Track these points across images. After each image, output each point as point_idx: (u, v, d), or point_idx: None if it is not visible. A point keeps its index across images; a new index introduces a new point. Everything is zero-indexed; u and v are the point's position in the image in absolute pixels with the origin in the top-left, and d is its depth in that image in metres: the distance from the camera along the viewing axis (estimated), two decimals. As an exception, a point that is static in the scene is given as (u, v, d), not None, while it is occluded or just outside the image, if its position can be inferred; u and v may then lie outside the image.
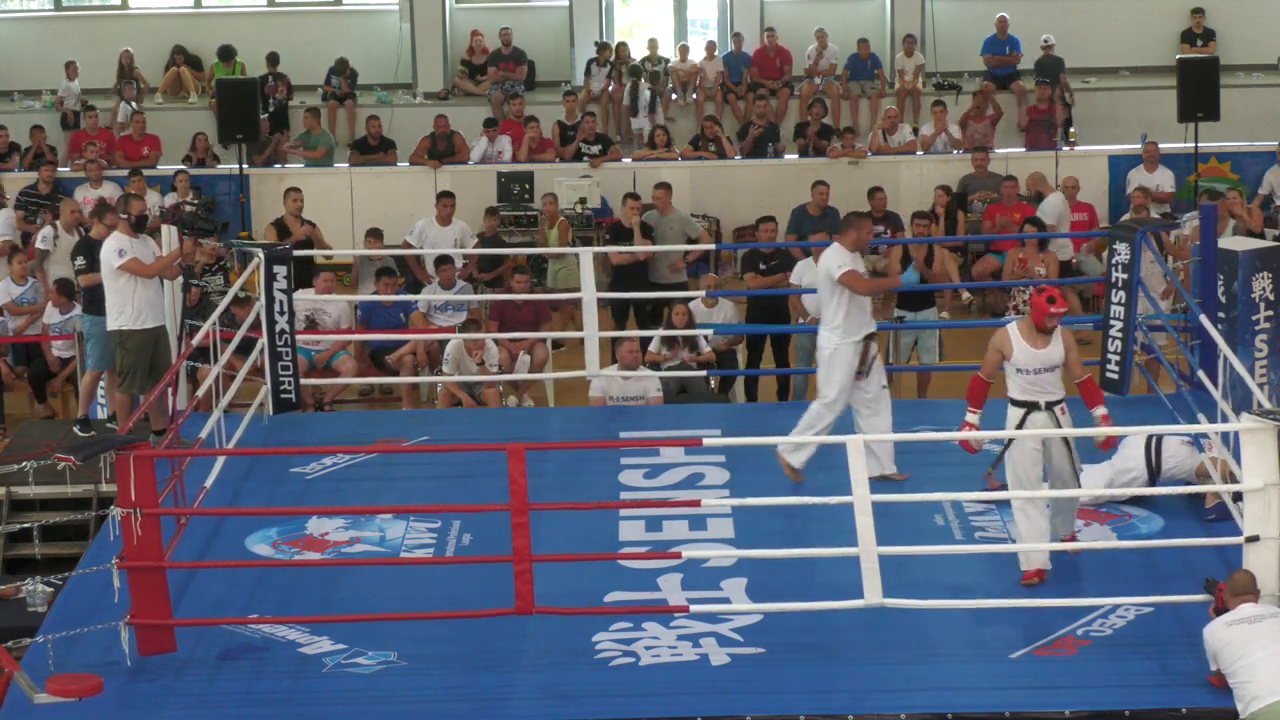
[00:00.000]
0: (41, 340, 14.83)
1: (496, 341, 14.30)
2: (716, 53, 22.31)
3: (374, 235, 16.89)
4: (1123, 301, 12.08)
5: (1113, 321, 12.17)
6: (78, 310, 14.52)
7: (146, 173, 19.21)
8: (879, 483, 10.41)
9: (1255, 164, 19.45)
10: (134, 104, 21.17)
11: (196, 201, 12.81)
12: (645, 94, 21.50)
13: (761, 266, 15.13)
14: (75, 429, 12.61)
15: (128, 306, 11.70)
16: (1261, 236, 15.94)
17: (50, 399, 14.92)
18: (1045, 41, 21.62)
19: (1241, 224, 16.08)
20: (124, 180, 18.98)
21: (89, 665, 8.72)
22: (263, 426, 12.35)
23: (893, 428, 11.05)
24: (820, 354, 11.09)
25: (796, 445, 10.91)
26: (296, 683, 8.86)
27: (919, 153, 19.86)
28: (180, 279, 12.17)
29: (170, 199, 17.71)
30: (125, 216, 11.73)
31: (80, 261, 12.42)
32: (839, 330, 10.94)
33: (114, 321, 11.77)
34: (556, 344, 15.49)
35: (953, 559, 9.84)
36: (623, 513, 10.68)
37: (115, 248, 11.66)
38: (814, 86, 21.94)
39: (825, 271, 10.95)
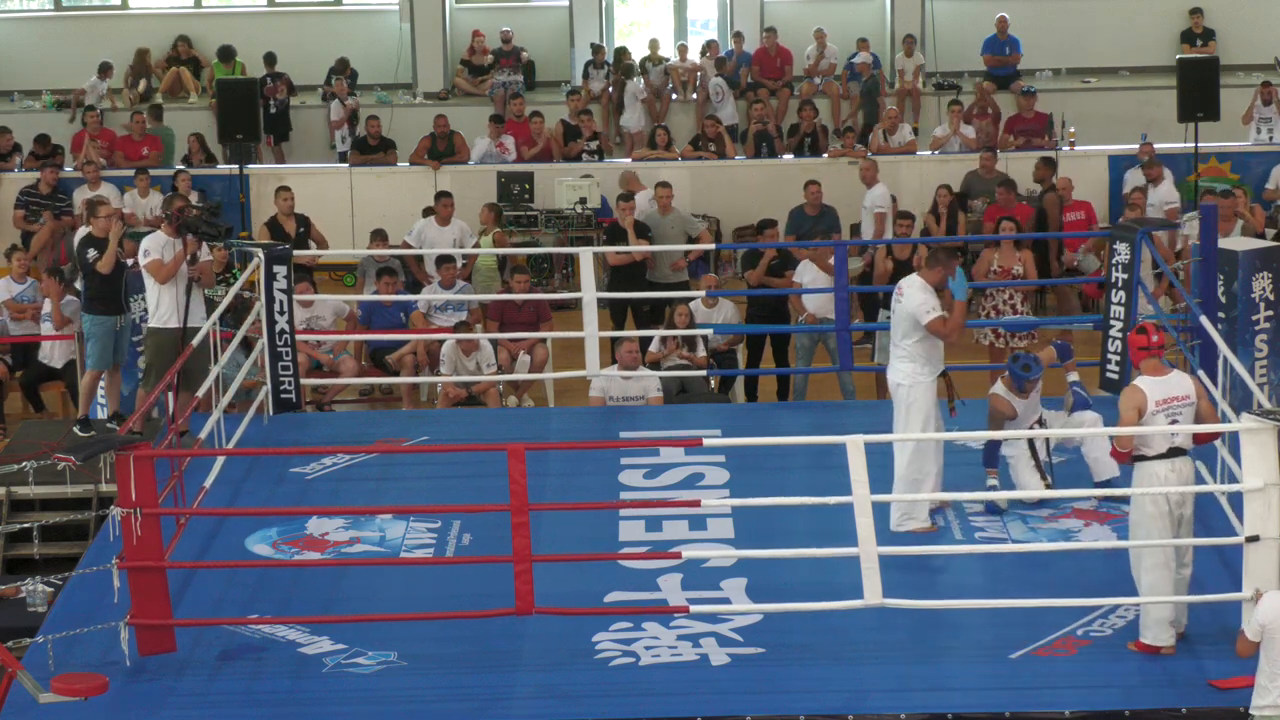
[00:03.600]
0: (38, 340, 14.80)
1: (497, 342, 14.32)
2: (718, 53, 22.34)
3: (380, 236, 16.90)
4: (1123, 301, 12.08)
5: (1113, 322, 12.17)
6: (66, 299, 14.54)
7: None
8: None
9: (1256, 164, 19.46)
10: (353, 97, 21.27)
11: (202, 205, 12.83)
12: (636, 88, 21.51)
13: (764, 266, 15.12)
14: (75, 429, 12.60)
15: (154, 304, 11.99)
16: (1262, 236, 15.95)
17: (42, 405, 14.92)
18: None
19: (1249, 225, 16.09)
20: (125, 180, 18.99)
21: (89, 665, 8.72)
22: (263, 426, 12.35)
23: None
24: (897, 391, 10.49)
25: (909, 508, 10.39)
26: (296, 683, 8.86)
27: (934, 152, 19.82)
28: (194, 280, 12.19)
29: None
30: (167, 216, 11.97)
31: (92, 253, 12.40)
32: (919, 362, 10.44)
33: (150, 319, 12.11)
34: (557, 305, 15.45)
35: (953, 559, 9.84)
36: (623, 513, 10.67)
37: (144, 247, 11.96)
38: (814, 86, 21.95)
39: (909, 309, 10.41)
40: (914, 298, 10.41)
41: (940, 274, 10.51)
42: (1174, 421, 8.93)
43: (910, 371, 10.43)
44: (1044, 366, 10.92)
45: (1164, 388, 8.96)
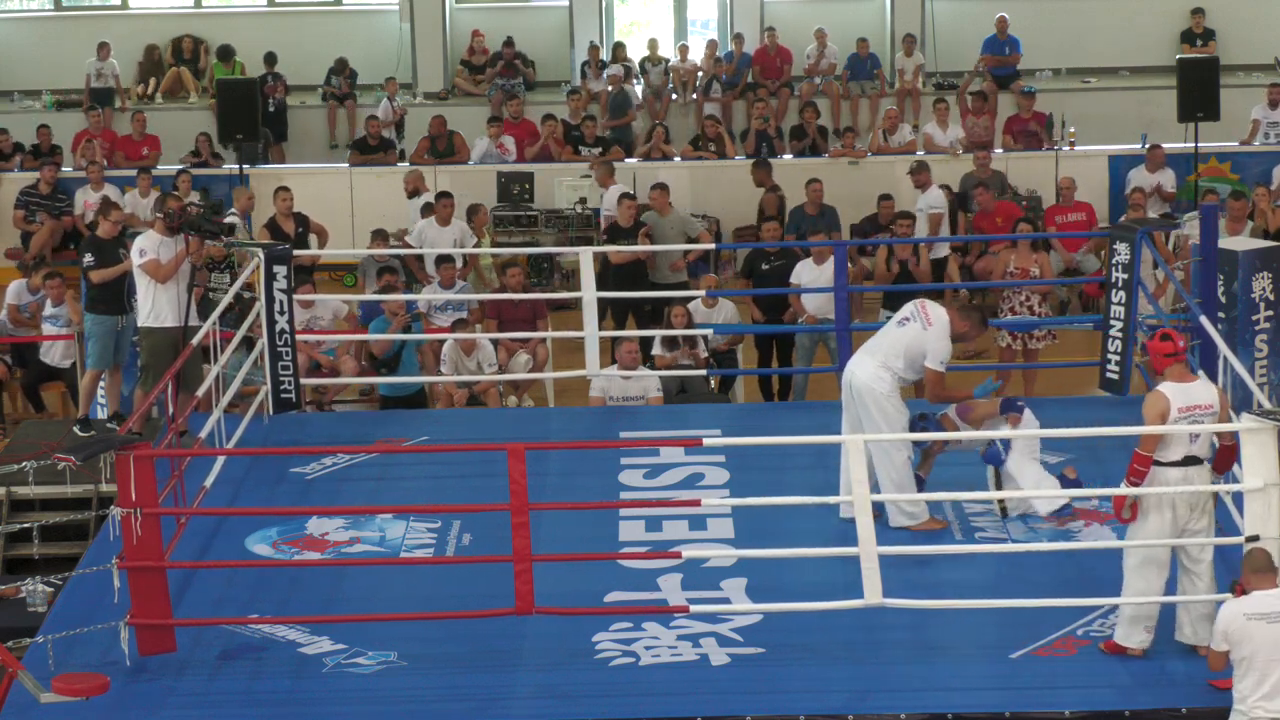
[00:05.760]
0: (38, 340, 14.79)
1: (497, 341, 14.31)
2: (717, 52, 22.37)
3: (380, 236, 16.92)
4: (1123, 301, 12.09)
5: (1113, 322, 12.18)
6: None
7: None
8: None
9: (1255, 164, 19.47)
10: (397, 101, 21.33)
11: (203, 204, 12.84)
12: (635, 93, 21.55)
13: (765, 266, 15.12)
14: (75, 429, 12.60)
15: (148, 303, 11.91)
16: (1266, 235, 15.97)
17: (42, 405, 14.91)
18: None
19: (1258, 226, 16.13)
20: (126, 180, 19.01)
21: (89, 665, 8.72)
22: (263, 426, 12.35)
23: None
24: (877, 398, 10.29)
25: (910, 506, 10.35)
26: (296, 683, 8.85)
27: (923, 153, 19.84)
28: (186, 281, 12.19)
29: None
30: (161, 215, 11.93)
31: (89, 259, 12.43)
32: (899, 381, 10.35)
33: (141, 318, 12.03)
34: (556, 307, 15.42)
35: (953, 559, 9.84)
36: (623, 513, 10.67)
37: (139, 246, 11.89)
38: (814, 86, 21.96)
39: (928, 345, 10.23)
40: (940, 341, 10.27)
41: (968, 329, 10.40)
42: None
43: (891, 382, 10.36)
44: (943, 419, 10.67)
45: (1188, 395, 8.79)
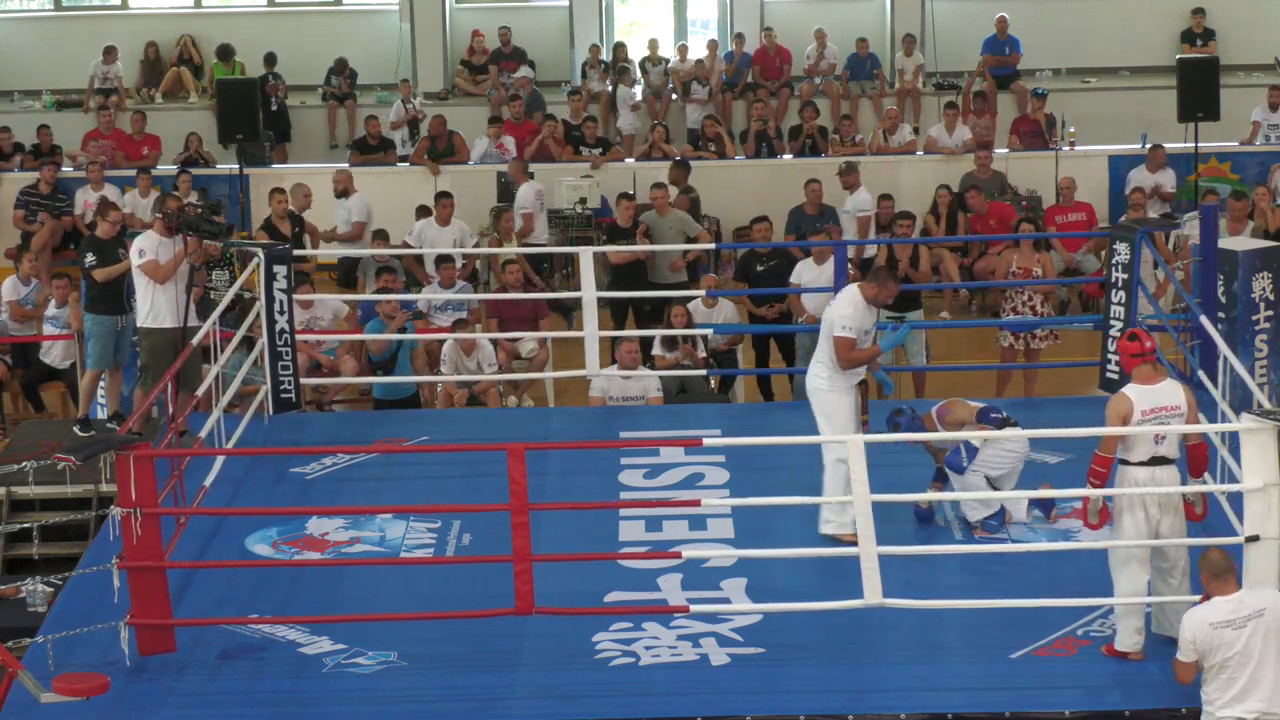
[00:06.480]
0: (38, 340, 14.79)
1: (496, 341, 14.31)
2: (718, 52, 22.36)
3: (380, 236, 16.91)
4: (1123, 301, 12.09)
5: (1113, 322, 12.18)
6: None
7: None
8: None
9: (1254, 163, 19.47)
10: (412, 104, 21.28)
11: (202, 204, 12.84)
12: (633, 93, 21.54)
13: (759, 267, 15.12)
14: (75, 429, 12.60)
15: (146, 303, 11.91)
16: (1266, 235, 15.97)
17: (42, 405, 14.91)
18: None
19: (1259, 225, 16.11)
20: (126, 180, 18.99)
21: (89, 665, 8.73)
22: (263, 426, 12.35)
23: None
24: (815, 395, 10.36)
25: (839, 510, 10.15)
26: (296, 683, 8.86)
27: (923, 153, 19.84)
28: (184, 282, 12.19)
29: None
30: (161, 215, 11.93)
31: (90, 258, 12.43)
32: (829, 365, 10.31)
33: (140, 319, 12.02)
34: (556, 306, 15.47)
35: (953, 559, 9.84)
36: (623, 513, 10.68)
37: (138, 247, 11.88)
38: (814, 86, 21.95)
39: (830, 317, 10.32)
40: (842, 309, 10.25)
41: (876, 291, 10.29)
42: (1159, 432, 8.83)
43: (829, 376, 10.33)
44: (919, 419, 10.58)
45: (1153, 397, 8.82)
